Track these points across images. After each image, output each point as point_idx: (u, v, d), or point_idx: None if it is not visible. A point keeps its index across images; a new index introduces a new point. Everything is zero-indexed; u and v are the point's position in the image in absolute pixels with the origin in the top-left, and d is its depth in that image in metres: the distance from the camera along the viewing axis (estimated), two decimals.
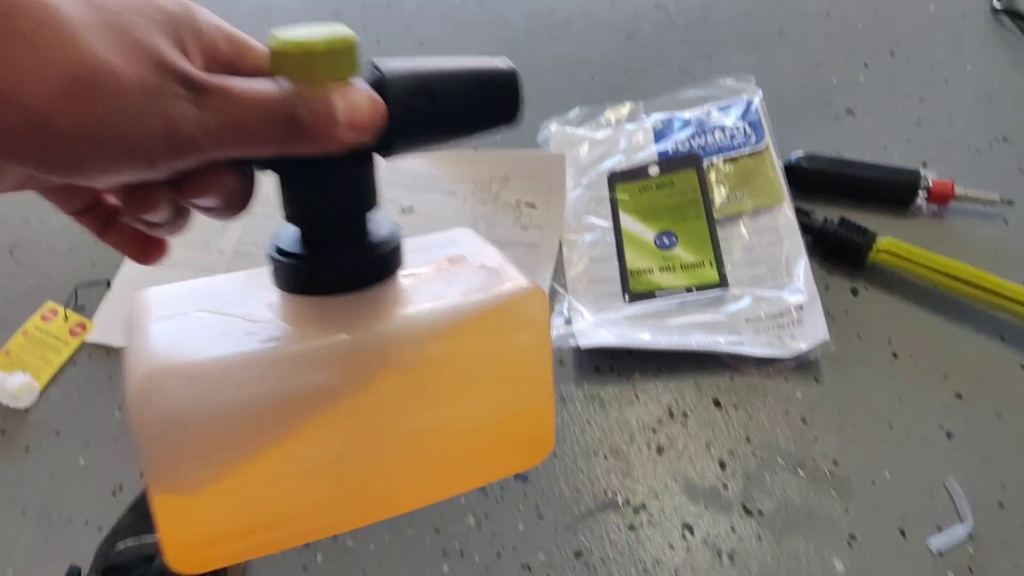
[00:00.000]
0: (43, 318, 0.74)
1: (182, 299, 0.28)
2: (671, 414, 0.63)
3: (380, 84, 0.25)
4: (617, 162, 0.75)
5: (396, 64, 0.26)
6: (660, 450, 0.61)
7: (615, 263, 0.70)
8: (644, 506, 0.58)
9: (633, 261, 0.69)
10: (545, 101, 0.86)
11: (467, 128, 0.28)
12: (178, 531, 0.28)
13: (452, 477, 0.32)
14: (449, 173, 0.77)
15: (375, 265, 0.28)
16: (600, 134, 0.78)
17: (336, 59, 0.24)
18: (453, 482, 0.33)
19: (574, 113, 0.82)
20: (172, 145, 0.21)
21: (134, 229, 0.28)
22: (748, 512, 0.57)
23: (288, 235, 0.28)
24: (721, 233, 0.69)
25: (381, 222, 0.29)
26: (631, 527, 0.58)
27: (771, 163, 0.71)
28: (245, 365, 0.26)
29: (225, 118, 0.21)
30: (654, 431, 0.62)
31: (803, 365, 0.63)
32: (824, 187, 0.72)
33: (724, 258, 0.67)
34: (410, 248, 0.30)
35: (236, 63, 0.25)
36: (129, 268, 0.76)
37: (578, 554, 0.57)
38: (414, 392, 0.29)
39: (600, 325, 0.65)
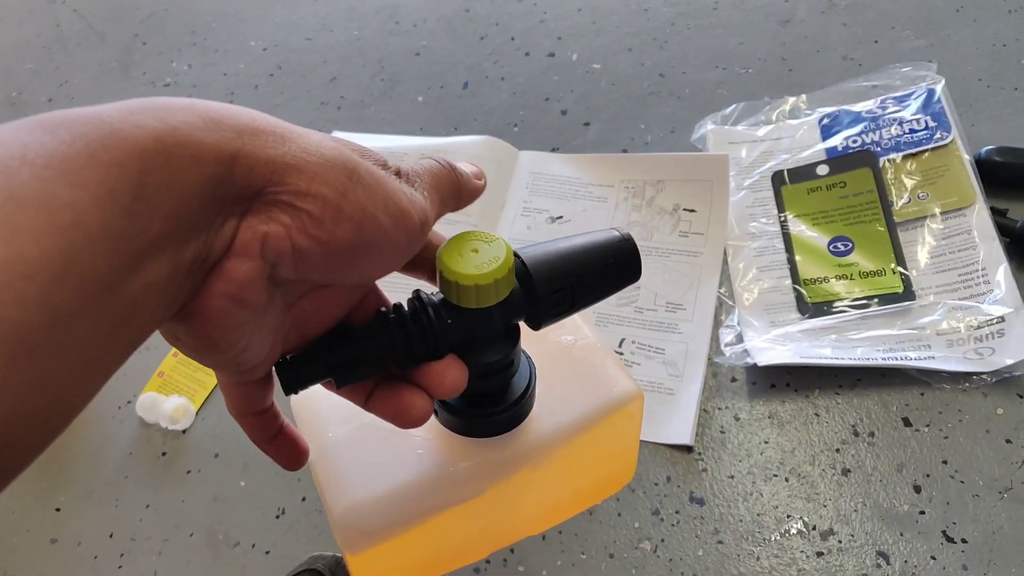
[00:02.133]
0: None
1: (345, 404, 0.37)
2: (856, 433, 0.67)
3: (528, 286, 0.34)
4: (781, 162, 0.79)
5: (537, 259, 0.35)
6: (846, 472, 0.65)
7: (786, 271, 0.74)
8: (832, 531, 0.63)
9: (806, 270, 0.73)
10: (696, 97, 0.91)
11: (600, 298, 0.37)
12: None
13: (561, 514, 0.50)
14: (599, 178, 0.83)
15: (517, 416, 0.39)
16: (761, 132, 0.83)
17: (503, 284, 0.33)
18: (562, 513, 0.50)
19: (730, 109, 0.86)
20: (422, 225, 0.30)
21: (294, 441, 0.36)
22: (951, 540, 0.60)
23: None
24: (903, 237, 0.72)
25: (522, 368, 0.39)
26: (819, 554, 0.62)
27: (959, 158, 0.73)
28: (422, 487, 0.39)
29: (433, 198, 0.32)
30: (838, 451, 0.66)
31: (1002, 381, 0.65)
32: (1021, 183, 0.74)
33: (908, 265, 0.71)
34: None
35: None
36: None
37: None
38: (541, 479, 0.43)
39: (776, 341, 0.70)
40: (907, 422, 0.66)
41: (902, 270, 0.71)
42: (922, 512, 0.62)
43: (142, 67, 1.15)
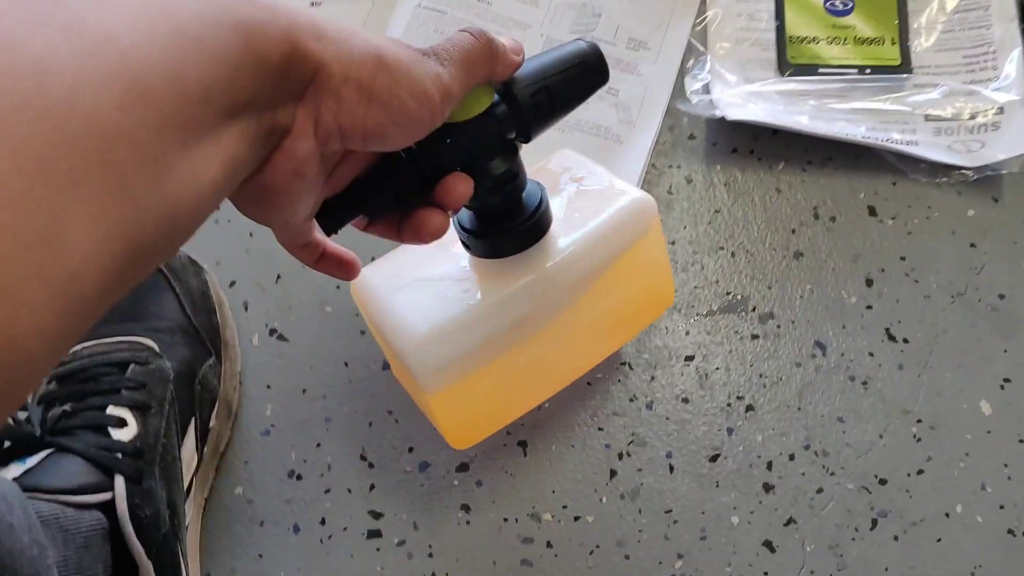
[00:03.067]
0: None
1: (397, 274, 0.46)
2: (816, 215, 0.60)
3: (509, 96, 0.38)
4: None
5: (516, 74, 0.38)
6: (798, 255, 0.58)
7: (771, 24, 0.63)
8: (772, 315, 0.57)
9: (795, 25, 0.63)
10: None
11: (578, 102, 0.40)
12: (453, 422, 0.48)
13: (612, 341, 0.54)
14: None
15: (537, 228, 0.43)
16: None
17: (481, 91, 0.37)
18: (613, 343, 0.54)
19: None
20: (443, 102, 0.33)
21: (338, 257, 0.40)
22: (892, 338, 0.56)
23: (468, 216, 0.43)
24: (911, 4, 0.63)
25: (532, 189, 0.43)
26: (754, 336, 0.56)
27: None
28: (473, 315, 0.44)
29: (459, 73, 0.35)
30: (794, 232, 0.59)
31: (984, 180, 0.59)
32: None
33: (911, 36, 0.62)
34: (533, 177, 0.44)
35: None
36: None
37: (689, 358, 0.55)
38: (580, 295, 0.46)
39: (747, 98, 0.60)
40: (872, 211, 0.60)
41: (903, 40, 0.62)
42: (869, 307, 0.57)
43: None
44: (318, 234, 0.39)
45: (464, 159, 0.38)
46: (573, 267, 0.45)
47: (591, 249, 0.45)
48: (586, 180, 0.48)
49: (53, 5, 0.23)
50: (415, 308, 0.44)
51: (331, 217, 0.37)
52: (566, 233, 0.45)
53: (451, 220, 0.42)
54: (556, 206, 0.46)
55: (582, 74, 0.39)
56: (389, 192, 0.37)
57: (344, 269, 0.41)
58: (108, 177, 0.22)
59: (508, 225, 0.42)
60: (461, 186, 0.38)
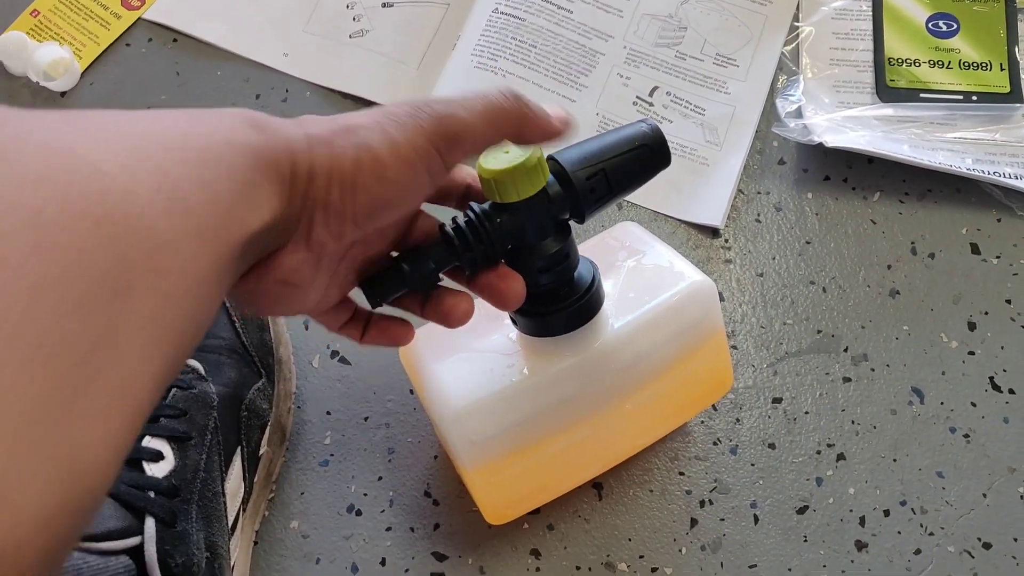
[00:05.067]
0: None
1: (442, 341, 0.44)
2: (914, 251, 0.56)
3: (564, 177, 0.37)
4: None
5: (571, 153, 0.38)
6: (894, 293, 0.55)
7: (869, 44, 0.60)
8: (865, 357, 0.53)
9: (894, 46, 0.59)
10: None
11: (636, 185, 0.39)
12: (491, 498, 0.46)
13: (664, 426, 0.51)
14: None
15: (587, 310, 0.42)
16: None
17: (534, 172, 0.36)
18: (664, 428, 0.51)
19: None
20: (428, 172, 0.33)
21: (386, 324, 0.39)
22: (997, 388, 0.52)
23: None
24: (1022, 28, 0.59)
25: (584, 268, 0.42)
26: (846, 379, 0.52)
27: None
28: (516, 392, 0.42)
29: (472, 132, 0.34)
30: (890, 268, 0.55)
31: None
32: None
33: (1021, 62, 0.58)
34: (590, 249, 0.45)
35: None
36: None
37: (777, 400, 0.52)
38: (630, 380, 0.45)
39: (843, 123, 0.57)
40: (975, 249, 0.56)
41: (1012, 66, 0.58)
42: (971, 353, 0.53)
43: None
44: (358, 306, 0.39)
45: (515, 239, 0.37)
46: (623, 351, 0.44)
47: (644, 333, 0.44)
48: (646, 257, 0.47)
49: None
50: (457, 379, 0.43)
51: (375, 291, 0.37)
52: (619, 314, 0.44)
53: None
54: (611, 284, 0.45)
55: (642, 158, 0.38)
56: (437, 266, 0.37)
57: (394, 337, 0.40)
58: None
59: (557, 305, 0.41)
60: (508, 283, 0.37)
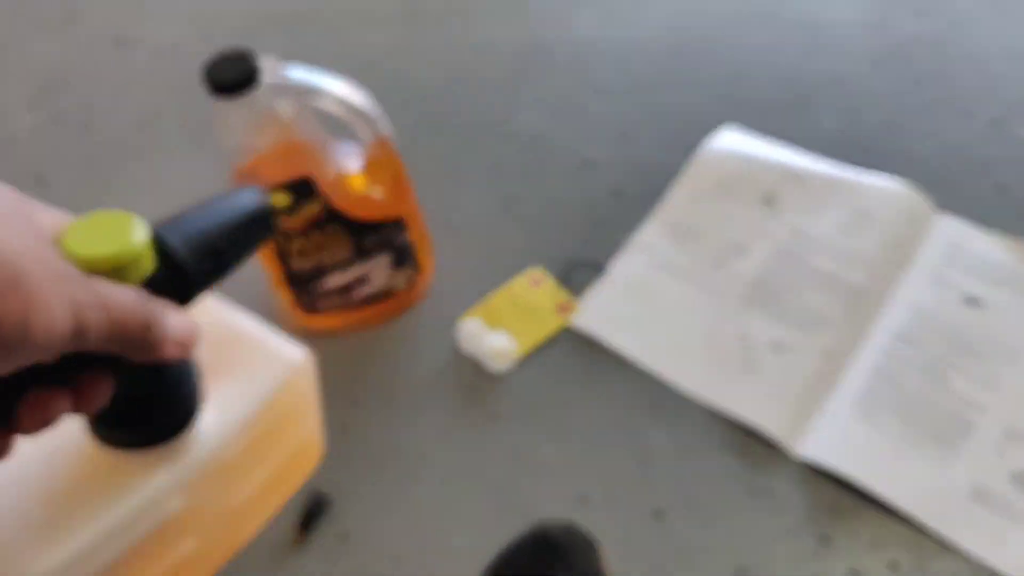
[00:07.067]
0: (531, 283, 0.80)
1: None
2: None
3: (175, 264, 0.34)
4: None
5: (179, 230, 0.35)
6: None
7: None
8: None
9: None
10: None
11: (246, 256, 0.38)
12: None
13: (270, 505, 0.52)
14: None
15: (183, 419, 0.40)
16: None
17: (130, 267, 0.32)
18: (271, 508, 0.52)
19: None
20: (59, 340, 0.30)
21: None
22: None
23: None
24: None
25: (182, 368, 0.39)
26: None
27: None
28: (96, 514, 0.39)
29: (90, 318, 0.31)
30: None
31: None
32: None
33: None
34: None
35: None
36: (627, 259, 0.80)
37: None
38: (231, 474, 0.44)
39: None
40: None
41: None
42: None
43: None
44: None
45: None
46: (218, 450, 0.41)
47: (240, 428, 0.42)
48: (231, 332, 0.45)
49: None
50: (9, 514, 0.39)
51: None
52: (215, 418, 0.41)
53: None
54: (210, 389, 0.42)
55: (254, 227, 0.38)
56: (14, 378, 0.31)
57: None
58: None
59: (148, 414, 0.38)
60: (102, 387, 0.34)
